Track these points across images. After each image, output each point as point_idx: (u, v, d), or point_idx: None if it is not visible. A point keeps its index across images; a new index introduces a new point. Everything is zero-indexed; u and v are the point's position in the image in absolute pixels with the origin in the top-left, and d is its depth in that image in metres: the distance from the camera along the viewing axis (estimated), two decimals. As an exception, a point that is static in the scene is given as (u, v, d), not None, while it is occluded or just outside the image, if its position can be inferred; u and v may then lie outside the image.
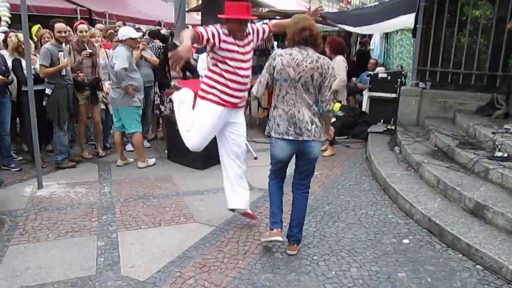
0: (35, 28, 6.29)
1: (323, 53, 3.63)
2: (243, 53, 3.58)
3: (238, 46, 3.54)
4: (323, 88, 3.18)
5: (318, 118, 3.23)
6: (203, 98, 3.66)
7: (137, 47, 6.12)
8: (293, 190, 3.53)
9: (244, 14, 3.47)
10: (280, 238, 3.44)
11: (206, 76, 3.70)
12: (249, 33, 3.67)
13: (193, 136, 3.71)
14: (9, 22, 7.75)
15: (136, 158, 5.80)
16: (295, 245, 3.50)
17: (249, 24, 3.68)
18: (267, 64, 3.24)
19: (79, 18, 9.59)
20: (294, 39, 3.18)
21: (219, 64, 3.55)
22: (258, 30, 3.75)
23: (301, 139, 3.20)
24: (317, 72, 3.12)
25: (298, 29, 3.15)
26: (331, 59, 6.02)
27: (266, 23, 3.89)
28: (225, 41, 3.47)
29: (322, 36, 13.32)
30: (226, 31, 3.49)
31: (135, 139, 5.60)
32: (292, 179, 3.54)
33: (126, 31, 5.48)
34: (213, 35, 3.39)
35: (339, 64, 6.06)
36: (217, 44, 3.43)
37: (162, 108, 6.11)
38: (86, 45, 5.67)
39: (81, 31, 5.63)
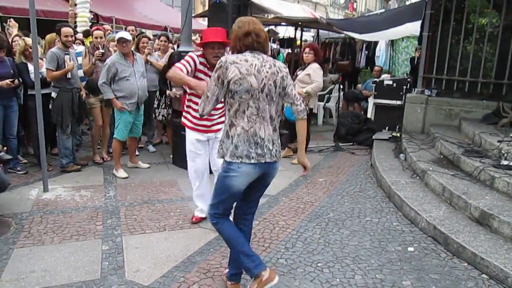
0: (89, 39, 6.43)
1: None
2: None
3: (208, 76, 3.58)
4: (288, 89, 2.75)
5: (277, 134, 2.78)
6: (183, 124, 3.92)
7: (142, 51, 6.15)
8: (237, 222, 2.95)
9: (219, 38, 3.55)
10: (277, 279, 2.76)
11: (187, 94, 3.85)
12: None
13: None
14: (89, 22, 8.00)
15: (150, 163, 5.94)
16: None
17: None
18: (214, 75, 2.65)
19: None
20: (235, 46, 2.71)
21: None
22: None
23: (263, 161, 2.67)
24: (278, 77, 2.69)
25: (242, 34, 2.68)
26: (306, 66, 6.01)
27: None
28: (199, 70, 3.63)
29: (328, 43, 13.28)
30: (203, 60, 3.63)
31: (112, 144, 5.59)
32: (235, 210, 2.97)
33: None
34: (189, 64, 3.55)
35: (317, 70, 6.02)
36: (191, 71, 3.58)
37: (156, 113, 6.15)
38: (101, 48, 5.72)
39: (96, 37, 5.71)
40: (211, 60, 3.56)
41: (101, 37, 5.78)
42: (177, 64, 3.57)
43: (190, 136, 3.88)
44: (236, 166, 2.65)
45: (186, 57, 3.62)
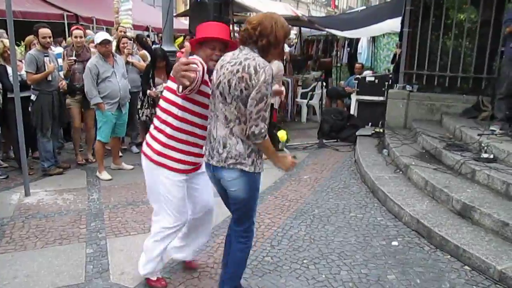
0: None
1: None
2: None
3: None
4: (249, 101, 2.31)
5: (239, 140, 2.39)
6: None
7: (123, 52, 6.10)
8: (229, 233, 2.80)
9: (223, 35, 2.65)
10: None
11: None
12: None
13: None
14: (132, 28, 8.00)
15: (133, 164, 5.81)
16: None
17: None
18: None
19: (66, 24, 9.52)
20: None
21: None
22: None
23: (211, 162, 2.50)
24: (235, 77, 2.32)
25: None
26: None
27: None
28: (205, 82, 2.58)
29: (310, 41, 13.26)
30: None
31: (95, 146, 5.52)
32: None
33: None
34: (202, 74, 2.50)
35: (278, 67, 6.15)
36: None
37: (140, 113, 6.11)
38: (78, 51, 5.64)
39: (76, 37, 5.62)
40: (208, 64, 2.57)
41: (80, 37, 5.70)
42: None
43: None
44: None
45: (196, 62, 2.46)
